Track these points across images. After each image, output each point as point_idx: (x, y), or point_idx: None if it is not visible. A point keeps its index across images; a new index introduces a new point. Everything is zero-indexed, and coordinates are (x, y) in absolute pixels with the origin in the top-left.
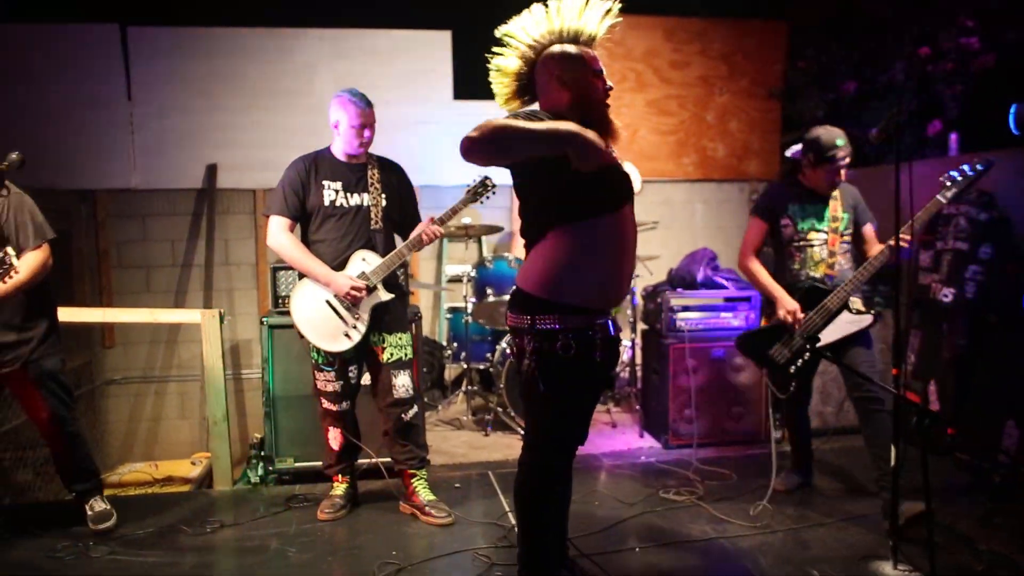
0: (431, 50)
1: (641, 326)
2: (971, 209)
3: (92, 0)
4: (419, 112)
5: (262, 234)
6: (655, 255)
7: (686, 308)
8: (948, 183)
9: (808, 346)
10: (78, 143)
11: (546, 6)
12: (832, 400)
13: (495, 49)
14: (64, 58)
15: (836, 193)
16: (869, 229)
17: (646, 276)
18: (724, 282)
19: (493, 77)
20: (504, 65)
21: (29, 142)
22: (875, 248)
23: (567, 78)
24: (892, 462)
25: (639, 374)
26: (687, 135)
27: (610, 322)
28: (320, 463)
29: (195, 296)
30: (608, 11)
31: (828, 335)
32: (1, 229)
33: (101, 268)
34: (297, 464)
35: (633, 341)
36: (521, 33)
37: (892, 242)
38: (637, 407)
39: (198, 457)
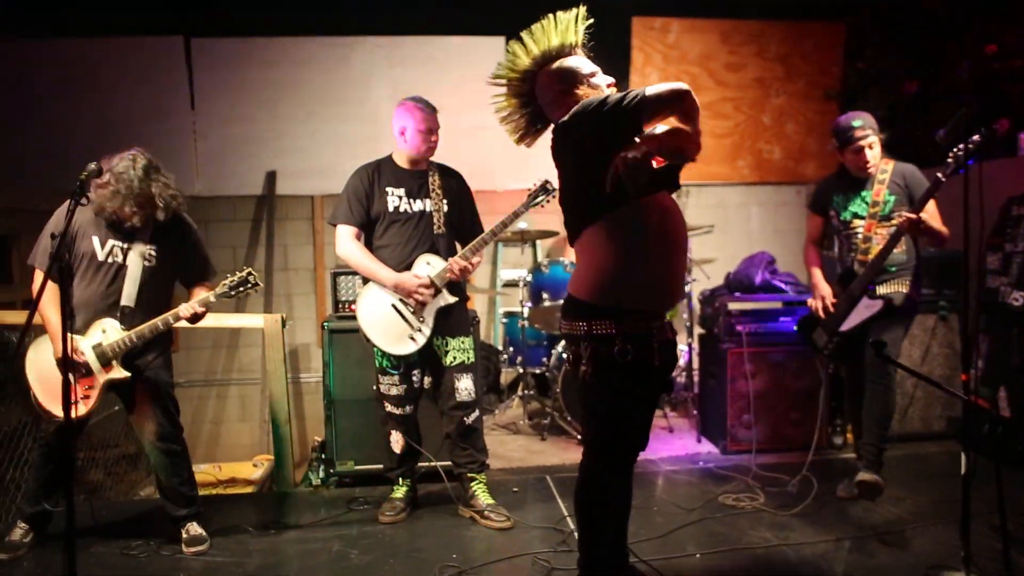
0: (485, 56)
1: (698, 330)
2: None
3: (158, 14)
4: (474, 118)
5: (320, 240)
6: (711, 258)
7: (744, 312)
8: (949, 159)
9: (836, 330)
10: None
11: (520, 40)
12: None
13: (493, 96)
14: (132, 70)
15: (884, 176)
16: (930, 206)
17: (703, 280)
18: (783, 286)
19: (502, 123)
20: (506, 107)
21: (99, 151)
22: (935, 223)
23: (567, 88)
24: (963, 470)
25: (696, 379)
26: (742, 138)
27: (666, 325)
28: (380, 466)
29: (254, 301)
30: (577, 17)
31: (850, 321)
32: (177, 254)
33: None
34: (357, 467)
35: (690, 345)
36: (509, 73)
37: (901, 220)
38: (694, 412)
39: (259, 459)
